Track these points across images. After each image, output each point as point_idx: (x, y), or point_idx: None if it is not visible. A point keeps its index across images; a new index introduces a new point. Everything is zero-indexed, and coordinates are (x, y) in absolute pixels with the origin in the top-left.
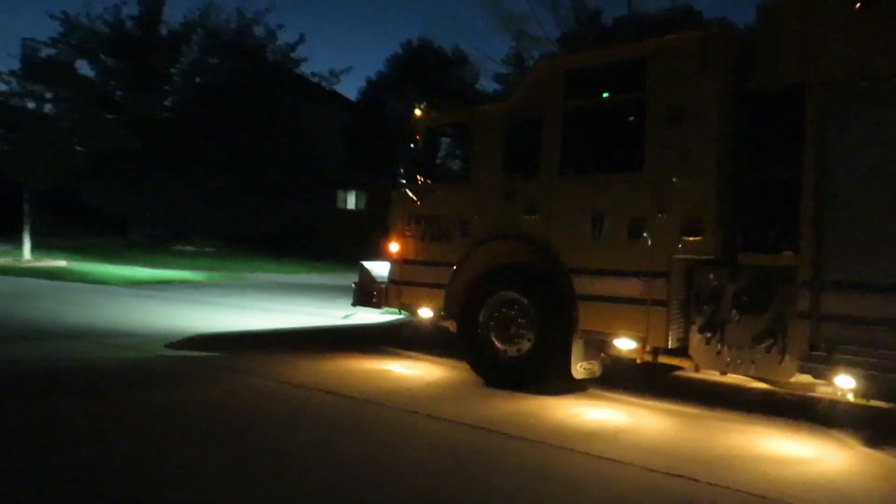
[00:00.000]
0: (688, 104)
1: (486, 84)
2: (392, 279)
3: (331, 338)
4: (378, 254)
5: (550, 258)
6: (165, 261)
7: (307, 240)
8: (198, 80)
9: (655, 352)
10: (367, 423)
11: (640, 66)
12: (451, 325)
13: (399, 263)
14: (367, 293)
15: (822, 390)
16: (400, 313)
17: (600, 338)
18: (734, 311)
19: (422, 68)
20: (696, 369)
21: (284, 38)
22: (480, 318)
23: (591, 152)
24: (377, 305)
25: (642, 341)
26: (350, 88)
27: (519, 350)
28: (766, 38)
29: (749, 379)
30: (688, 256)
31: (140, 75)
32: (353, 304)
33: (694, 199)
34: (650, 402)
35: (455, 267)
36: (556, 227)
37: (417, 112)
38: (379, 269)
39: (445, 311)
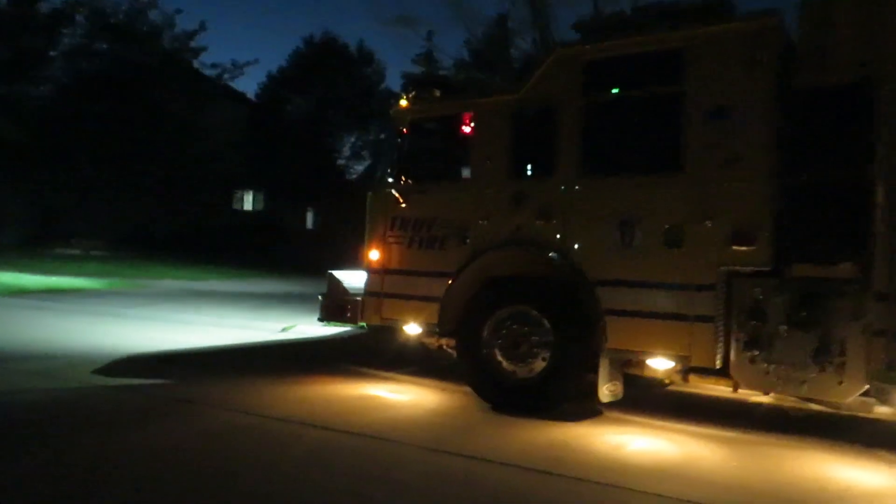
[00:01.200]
0: (735, 100)
1: (393, 83)
2: (371, 291)
3: (283, 356)
4: (282, 258)
5: (569, 268)
6: (49, 266)
7: (201, 242)
8: (83, 65)
9: (687, 371)
10: (391, 467)
11: (678, 58)
12: (435, 342)
13: (380, 273)
14: (338, 307)
15: (879, 411)
16: (362, 327)
17: (632, 357)
18: (785, 327)
19: (324, 65)
20: (735, 389)
21: (183, 24)
22: (484, 335)
23: (619, 151)
24: (352, 320)
25: (683, 361)
26: (252, 84)
27: (531, 370)
28: (816, 30)
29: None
30: (737, 268)
31: (11, 58)
32: (321, 320)
33: (745, 204)
34: (682, 426)
35: (452, 277)
36: (577, 233)
37: (402, 103)
38: (351, 279)
39: (440, 327)
